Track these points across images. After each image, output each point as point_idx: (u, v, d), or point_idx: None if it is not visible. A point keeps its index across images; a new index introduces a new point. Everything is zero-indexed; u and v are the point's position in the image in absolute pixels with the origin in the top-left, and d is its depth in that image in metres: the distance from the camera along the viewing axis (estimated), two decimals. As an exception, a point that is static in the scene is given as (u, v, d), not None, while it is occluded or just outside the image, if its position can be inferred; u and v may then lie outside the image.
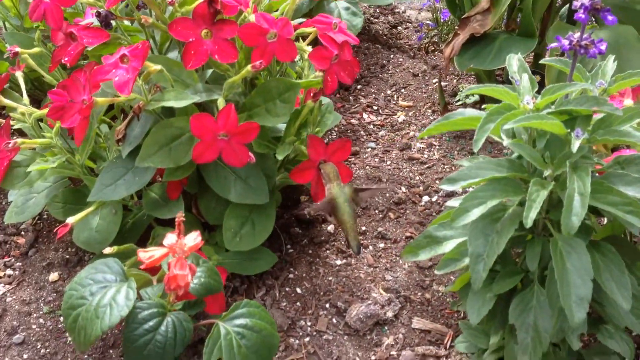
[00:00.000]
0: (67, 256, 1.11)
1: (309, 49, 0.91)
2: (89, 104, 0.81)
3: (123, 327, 0.92)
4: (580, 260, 0.71)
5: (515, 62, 0.80)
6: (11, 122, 0.98)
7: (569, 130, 0.69)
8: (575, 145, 0.67)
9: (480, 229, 0.75)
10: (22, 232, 1.17)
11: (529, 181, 0.76)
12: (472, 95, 1.45)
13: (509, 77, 0.78)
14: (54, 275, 1.08)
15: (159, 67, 0.84)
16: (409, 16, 2.10)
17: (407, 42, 1.84)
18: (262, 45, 0.84)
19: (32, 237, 1.15)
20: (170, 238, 0.76)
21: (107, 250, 0.90)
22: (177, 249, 0.74)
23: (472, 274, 0.75)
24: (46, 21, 0.85)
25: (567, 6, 1.38)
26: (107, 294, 0.78)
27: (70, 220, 0.92)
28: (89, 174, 1.03)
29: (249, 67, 0.84)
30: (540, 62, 0.81)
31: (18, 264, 1.11)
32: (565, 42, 0.72)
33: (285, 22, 0.84)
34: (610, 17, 0.68)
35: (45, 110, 0.97)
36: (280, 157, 0.93)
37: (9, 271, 1.09)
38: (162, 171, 0.99)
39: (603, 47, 0.71)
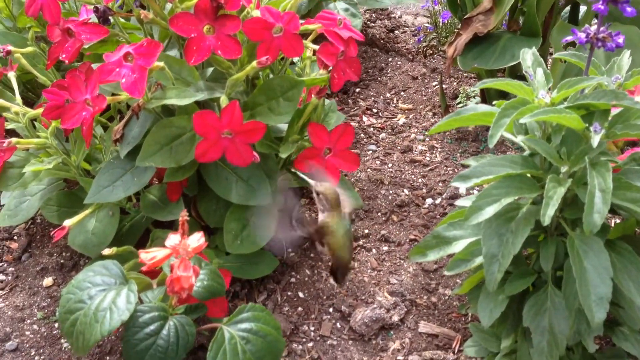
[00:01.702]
0: (62, 261, 1.07)
1: (313, 45, 0.89)
2: (100, 104, 0.77)
3: (121, 333, 0.90)
4: (598, 259, 0.68)
5: (529, 56, 0.78)
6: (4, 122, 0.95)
7: (587, 125, 0.67)
8: (595, 140, 0.65)
9: (494, 229, 0.73)
10: (15, 237, 1.13)
11: (543, 179, 0.75)
12: (474, 96, 1.44)
13: (524, 72, 0.76)
14: (48, 280, 1.04)
15: (161, 64, 0.81)
16: (405, 21, 2.08)
17: (405, 46, 1.83)
18: (268, 40, 0.82)
19: (25, 242, 1.12)
20: (173, 239, 0.73)
21: (106, 251, 0.87)
22: (181, 250, 0.71)
23: (486, 275, 0.72)
24: (43, 15, 0.83)
25: (569, 7, 1.37)
26: (107, 297, 0.74)
27: (67, 223, 0.88)
28: (84, 176, 1.00)
29: (254, 63, 0.82)
30: (555, 55, 0.79)
31: (11, 269, 1.07)
32: (582, 35, 0.70)
33: (291, 16, 0.82)
34: (629, 9, 0.67)
35: (39, 110, 0.94)
36: (283, 156, 0.90)
37: (1, 276, 1.06)
38: (160, 173, 0.97)
39: (620, 40, 0.69)
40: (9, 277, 1.05)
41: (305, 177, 0.84)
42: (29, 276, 1.05)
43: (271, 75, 0.97)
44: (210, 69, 0.96)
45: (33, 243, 1.12)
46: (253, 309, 0.79)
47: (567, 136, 0.72)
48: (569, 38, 0.74)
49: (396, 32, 1.95)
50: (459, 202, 0.87)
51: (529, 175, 0.73)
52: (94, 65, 0.91)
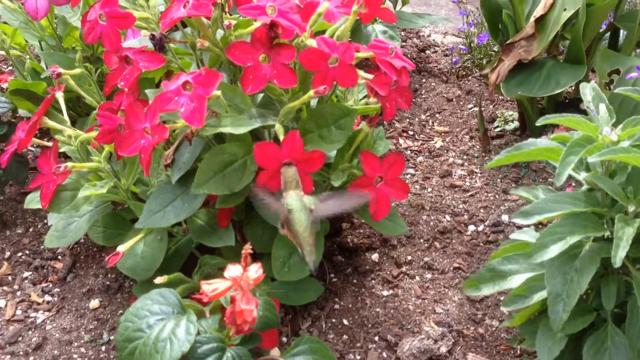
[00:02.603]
0: (107, 282, 1.08)
1: (366, 75, 0.89)
2: (161, 133, 0.78)
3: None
4: (666, 300, 0.68)
5: (589, 91, 0.77)
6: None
7: (656, 165, 0.67)
8: (667, 181, 0.64)
9: (558, 267, 0.73)
10: (59, 257, 1.14)
11: (605, 216, 0.74)
12: (512, 121, 1.43)
13: (585, 107, 0.76)
14: (94, 303, 1.04)
15: (219, 92, 0.81)
16: (434, 40, 2.08)
17: (437, 67, 1.82)
18: (324, 71, 0.82)
19: (70, 262, 1.12)
20: (233, 270, 0.73)
21: (158, 280, 0.87)
22: (243, 282, 0.71)
23: (551, 314, 0.72)
24: (102, 43, 0.83)
25: (609, 33, 1.36)
26: (166, 327, 0.74)
27: (121, 248, 0.89)
28: (132, 199, 1.00)
29: (311, 92, 0.82)
30: (616, 91, 0.78)
31: (56, 289, 1.08)
32: (650, 73, 0.69)
33: (347, 46, 0.82)
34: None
35: (92, 134, 0.95)
36: (336, 184, 0.90)
37: (47, 297, 1.06)
38: (206, 199, 0.97)
39: (691, 78, 0.68)
40: (55, 298, 1.06)
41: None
42: (75, 298, 1.06)
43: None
44: (261, 95, 0.96)
45: (77, 263, 1.13)
46: (310, 341, 0.79)
47: (633, 174, 0.71)
48: (633, 75, 0.73)
49: (427, 51, 1.95)
50: (513, 236, 0.87)
51: (594, 212, 0.72)
52: (149, 92, 0.92)
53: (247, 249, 0.71)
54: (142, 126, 0.81)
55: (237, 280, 0.71)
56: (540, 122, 0.74)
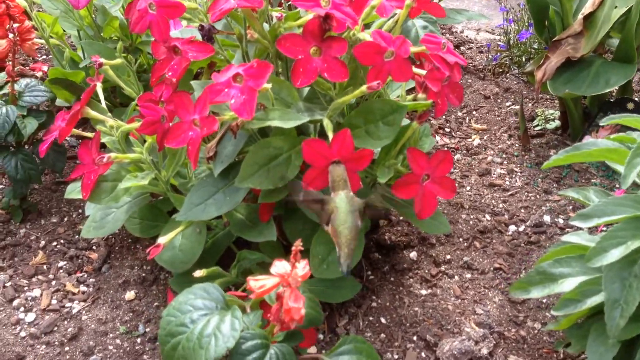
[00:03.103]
0: (143, 274, 1.07)
1: (420, 71, 0.87)
2: (210, 125, 0.77)
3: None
4: None
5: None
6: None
7: None
8: None
9: (616, 272, 0.70)
10: (94, 247, 1.13)
11: (665, 220, 0.71)
12: (553, 119, 1.40)
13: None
14: (130, 294, 1.04)
15: (269, 85, 0.80)
16: (467, 36, 2.05)
17: (472, 63, 1.79)
18: (379, 65, 0.80)
19: (105, 253, 1.12)
20: (279, 267, 0.71)
21: (198, 273, 0.86)
22: (291, 280, 0.69)
23: (607, 321, 0.69)
24: (151, 33, 0.82)
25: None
26: (211, 322, 0.73)
27: (162, 240, 0.88)
28: (172, 191, 0.99)
29: (363, 87, 0.80)
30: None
31: (91, 280, 1.07)
32: None
33: (402, 40, 0.80)
34: None
35: (134, 124, 0.94)
36: (382, 181, 0.88)
37: (82, 287, 1.06)
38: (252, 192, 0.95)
39: None
40: (91, 289, 1.05)
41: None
42: (110, 289, 1.05)
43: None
44: (307, 89, 0.94)
45: (112, 254, 1.12)
46: (355, 340, 0.77)
47: (699, 178, 0.68)
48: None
49: (461, 48, 1.93)
50: (565, 238, 0.84)
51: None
52: (195, 84, 0.91)
53: (298, 245, 0.69)
54: (190, 118, 0.80)
55: (285, 277, 0.70)
56: (604, 121, 0.71)
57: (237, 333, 0.72)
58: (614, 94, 1.42)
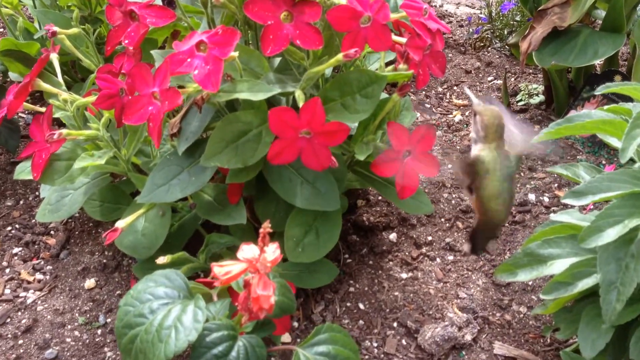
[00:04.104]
0: (104, 260, 1.00)
1: (399, 39, 0.80)
2: (172, 99, 0.69)
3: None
4: None
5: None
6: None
7: None
8: None
9: (611, 252, 0.65)
10: (52, 232, 1.06)
11: (663, 197, 0.66)
12: (537, 94, 1.35)
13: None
14: (90, 282, 0.97)
15: (236, 54, 0.72)
16: (447, 10, 1.99)
17: (452, 38, 1.73)
18: (355, 31, 0.73)
19: (64, 238, 1.04)
20: (247, 251, 0.65)
21: (161, 259, 0.79)
22: (260, 265, 0.63)
23: (603, 305, 0.64)
24: (103, -5, 0.74)
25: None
26: (172, 313, 0.66)
27: (120, 224, 0.80)
28: (133, 171, 0.92)
29: (339, 56, 0.73)
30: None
31: (49, 267, 1.00)
32: None
33: (381, 4, 0.73)
34: None
35: (90, 98, 0.86)
36: (361, 158, 0.82)
37: (39, 275, 0.98)
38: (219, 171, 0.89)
39: None
40: (47, 277, 0.98)
41: (468, 92, 0.65)
42: (68, 276, 0.98)
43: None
44: (278, 59, 0.87)
45: (72, 239, 1.05)
46: (330, 329, 0.71)
47: (702, 151, 0.63)
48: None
49: (442, 22, 1.86)
50: (554, 217, 0.79)
51: (654, 193, 0.65)
52: (155, 53, 0.83)
53: (266, 227, 0.63)
54: (149, 91, 0.72)
55: (253, 263, 0.63)
56: (600, 90, 0.65)
57: (200, 325, 0.66)
58: (598, 68, 1.37)
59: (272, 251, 0.66)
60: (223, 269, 0.64)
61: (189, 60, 0.69)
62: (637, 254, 0.64)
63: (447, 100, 1.42)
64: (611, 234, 0.62)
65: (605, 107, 0.69)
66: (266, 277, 0.64)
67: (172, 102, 0.70)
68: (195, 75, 0.69)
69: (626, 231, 0.62)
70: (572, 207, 0.96)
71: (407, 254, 1.03)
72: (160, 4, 0.78)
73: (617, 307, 0.63)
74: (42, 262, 1.01)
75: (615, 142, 0.71)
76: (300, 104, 0.75)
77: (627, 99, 0.69)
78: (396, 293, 0.97)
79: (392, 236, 1.06)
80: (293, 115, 0.72)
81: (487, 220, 0.69)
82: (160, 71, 0.70)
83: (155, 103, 0.72)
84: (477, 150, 0.65)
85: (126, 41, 0.74)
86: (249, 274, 0.65)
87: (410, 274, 1.00)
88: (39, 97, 1.28)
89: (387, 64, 0.89)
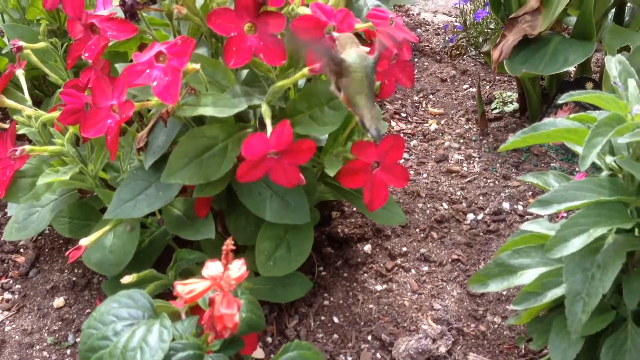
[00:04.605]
0: (74, 278, 0.98)
1: (363, 48, 0.79)
2: (127, 111, 0.68)
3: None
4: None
5: (615, 65, 0.69)
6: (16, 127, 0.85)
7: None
8: None
9: (578, 262, 0.65)
10: (21, 250, 1.04)
11: (629, 205, 0.66)
12: (511, 102, 1.35)
13: (612, 83, 0.67)
14: (59, 301, 0.95)
15: (197, 66, 0.72)
16: (424, 18, 1.99)
17: (429, 46, 1.74)
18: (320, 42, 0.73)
19: (33, 256, 1.02)
20: (212, 268, 0.64)
21: (126, 279, 0.78)
22: (224, 283, 0.62)
23: (569, 316, 0.64)
24: (63, 9, 0.73)
25: (614, 8, 1.28)
26: (136, 333, 0.65)
27: (84, 242, 0.79)
28: (101, 186, 0.91)
29: (305, 70, 0.72)
30: (643, 67, 0.70)
31: (17, 286, 0.98)
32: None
33: (345, 13, 0.73)
34: None
35: (54, 114, 0.85)
36: (330, 173, 0.81)
37: (7, 295, 0.96)
38: (186, 185, 0.87)
39: None
40: (16, 296, 0.96)
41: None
42: (37, 295, 0.96)
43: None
44: (245, 71, 0.86)
45: (41, 257, 1.03)
46: (299, 347, 0.70)
47: (665, 159, 0.63)
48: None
49: (418, 30, 1.87)
50: (524, 227, 0.78)
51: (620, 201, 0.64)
52: (119, 66, 0.82)
53: (229, 244, 0.62)
54: (108, 103, 0.71)
55: (217, 280, 0.62)
56: (563, 99, 0.65)
57: (166, 344, 0.64)
58: (572, 74, 1.38)
59: (237, 268, 0.65)
60: (186, 288, 0.63)
61: (148, 71, 0.68)
62: (604, 263, 0.64)
63: (422, 109, 1.42)
64: (576, 244, 0.62)
65: (572, 115, 0.69)
66: (230, 295, 0.63)
67: (127, 114, 0.69)
68: (154, 87, 0.68)
69: (591, 240, 0.62)
70: (543, 216, 0.96)
71: (381, 265, 1.03)
72: (123, 16, 0.76)
73: (583, 318, 0.63)
74: (11, 281, 0.99)
75: (580, 150, 0.71)
76: (267, 119, 0.74)
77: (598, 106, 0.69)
78: (371, 305, 0.96)
79: (367, 248, 1.05)
80: (263, 139, 0.71)
81: (356, 111, 0.71)
82: (119, 83, 0.69)
83: (113, 115, 0.71)
84: (341, 54, 0.69)
85: (86, 54, 0.73)
86: (214, 291, 0.64)
87: (385, 286, 0.99)
88: (6, 114, 1.26)
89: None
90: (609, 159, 0.65)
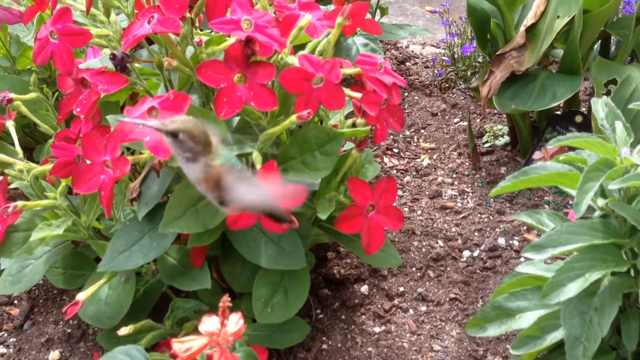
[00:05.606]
0: (69, 330, 0.97)
1: (354, 94, 0.80)
2: (122, 167, 0.68)
3: None
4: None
5: (602, 107, 0.70)
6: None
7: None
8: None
9: (575, 306, 0.64)
10: (15, 302, 1.03)
11: (623, 247, 0.66)
12: (502, 135, 1.36)
13: (599, 125, 0.68)
14: (54, 354, 0.94)
15: (189, 118, 0.72)
16: (413, 51, 2.01)
17: (418, 79, 1.75)
18: (307, 92, 0.73)
19: (27, 307, 1.01)
20: (209, 324, 0.63)
21: (123, 331, 0.77)
22: (221, 340, 0.61)
23: (570, 360, 0.63)
24: (54, 64, 0.74)
25: (599, 42, 1.30)
26: (132, 393, 0.64)
27: (81, 297, 0.79)
28: (95, 236, 0.90)
29: (293, 117, 0.73)
30: (630, 106, 0.71)
31: (12, 339, 0.97)
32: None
33: (332, 64, 0.73)
34: None
35: (46, 167, 0.85)
36: (323, 217, 0.81)
37: (1, 349, 0.95)
38: (180, 234, 0.87)
39: None
40: (11, 350, 0.95)
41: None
42: (32, 349, 0.95)
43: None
44: (237, 119, 0.87)
45: (35, 308, 1.02)
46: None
47: (657, 201, 0.63)
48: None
49: (407, 63, 1.88)
50: (520, 269, 0.78)
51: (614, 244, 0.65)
52: (110, 118, 0.83)
53: (226, 301, 0.61)
54: (101, 159, 0.71)
55: (214, 337, 0.62)
56: (552, 144, 0.66)
57: (163, 404, 0.64)
58: (561, 106, 1.39)
59: (235, 322, 0.65)
60: (184, 346, 0.62)
61: (140, 126, 0.69)
62: (600, 306, 0.63)
63: (414, 144, 1.42)
64: (573, 289, 0.62)
65: (562, 157, 0.70)
66: (228, 352, 0.62)
67: (122, 170, 0.69)
68: (147, 142, 0.68)
69: (587, 285, 0.61)
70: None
71: (379, 306, 1.02)
72: (113, 69, 0.76)
73: (584, 364, 0.62)
74: (6, 335, 0.97)
75: (573, 193, 0.71)
76: (258, 165, 0.75)
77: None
78: (370, 349, 0.95)
79: (364, 288, 1.05)
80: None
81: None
82: (112, 138, 0.69)
83: (107, 171, 0.71)
84: (207, 163, 0.62)
85: (78, 109, 0.73)
86: (212, 347, 0.63)
87: (383, 328, 0.99)
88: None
89: (348, 115, 0.89)
90: (600, 202, 0.65)
